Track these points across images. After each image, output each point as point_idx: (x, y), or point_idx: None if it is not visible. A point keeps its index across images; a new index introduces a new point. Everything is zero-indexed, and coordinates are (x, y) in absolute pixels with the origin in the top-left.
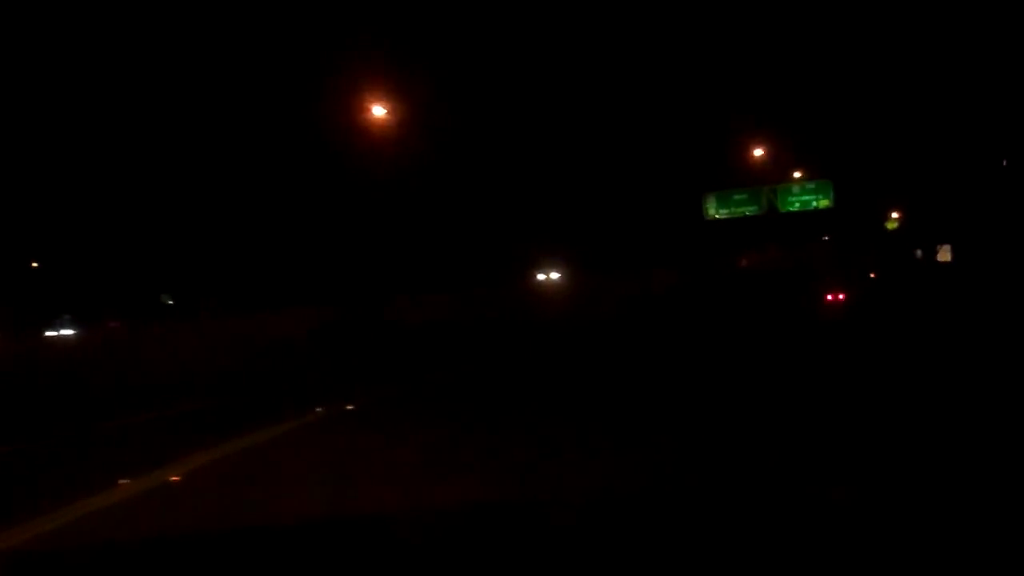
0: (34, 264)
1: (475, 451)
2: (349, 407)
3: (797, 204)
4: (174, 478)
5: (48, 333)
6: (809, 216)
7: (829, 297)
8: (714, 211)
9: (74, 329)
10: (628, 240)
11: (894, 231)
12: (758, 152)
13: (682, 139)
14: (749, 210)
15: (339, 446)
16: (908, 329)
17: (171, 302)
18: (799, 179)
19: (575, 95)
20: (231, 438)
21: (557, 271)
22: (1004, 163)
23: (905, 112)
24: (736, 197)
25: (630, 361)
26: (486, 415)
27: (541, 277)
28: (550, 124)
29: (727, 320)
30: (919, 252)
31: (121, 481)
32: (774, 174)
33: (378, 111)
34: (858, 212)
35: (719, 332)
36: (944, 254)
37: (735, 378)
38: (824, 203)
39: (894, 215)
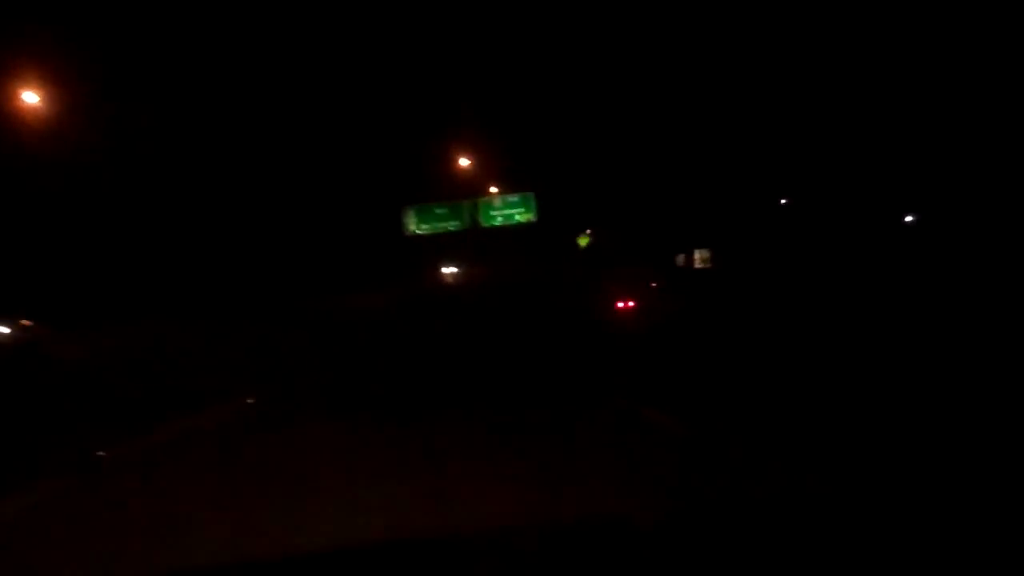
0: None
1: None
2: None
3: (500, 218)
4: None
5: None
6: (512, 231)
7: (620, 305)
8: (415, 226)
9: None
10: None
11: (588, 247)
12: (464, 162)
13: (380, 152)
14: (451, 225)
15: None
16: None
17: None
18: (501, 192)
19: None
20: None
21: None
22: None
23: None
24: (438, 211)
25: None
26: None
27: None
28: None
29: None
30: (681, 258)
31: None
32: (476, 188)
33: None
34: (560, 226)
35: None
36: (703, 260)
37: None
38: (527, 217)
39: (587, 231)
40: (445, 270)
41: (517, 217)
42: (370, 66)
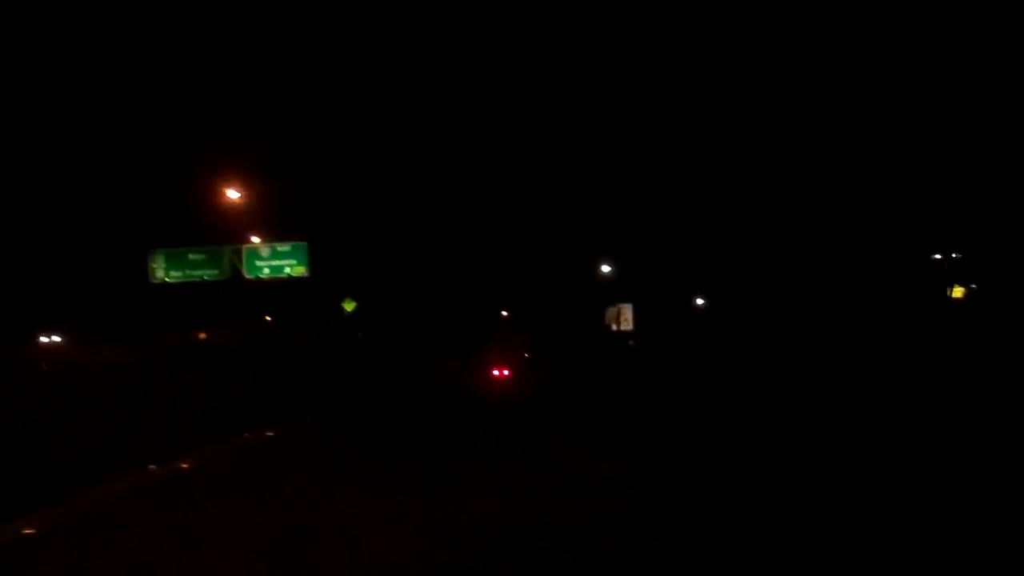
0: None
1: None
2: None
3: (267, 270)
4: None
5: None
6: (280, 285)
7: (495, 372)
8: (164, 273)
9: None
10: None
11: (353, 312)
12: (232, 195)
13: (123, 184)
14: (208, 274)
15: None
16: None
17: None
18: (269, 242)
19: None
20: None
21: None
22: None
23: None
24: (192, 257)
25: None
26: None
27: None
28: None
29: None
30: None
31: None
32: (238, 236)
33: None
34: (334, 284)
35: None
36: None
37: None
38: (299, 270)
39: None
40: (199, 328)
41: (287, 270)
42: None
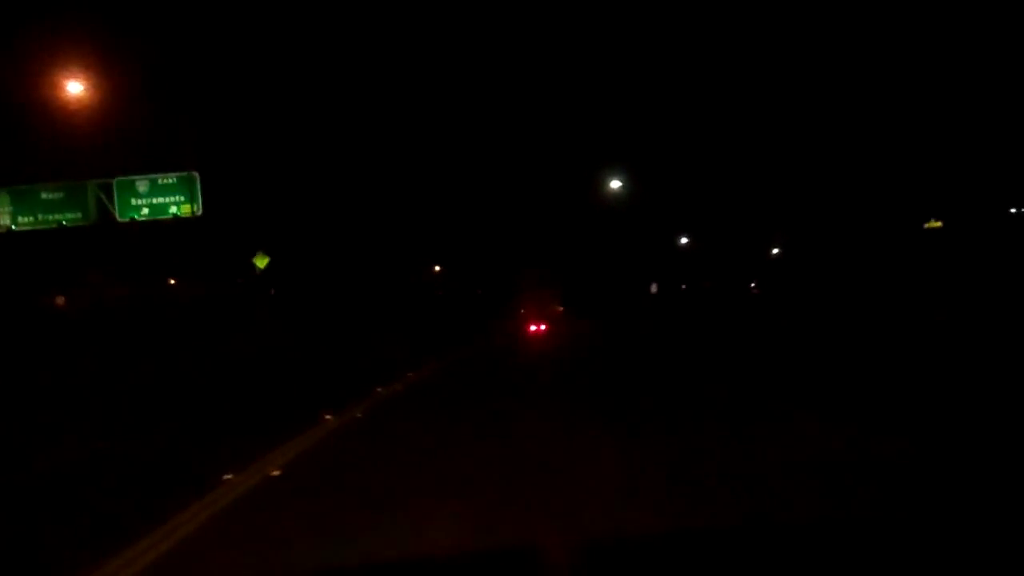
0: None
1: None
2: None
3: (147, 210)
4: None
5: None
6: (166, 228)
7: (532, 328)
8: (10, 219)
9: None
10: None
11: (265, 268)
12: (75, 87)
13: None
14: (68, 218)
15: None
16: None
17: None
18: (149, 173)
19: None
20: None
21: None
22: None
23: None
24: (46, 196)
25: None
26: None
27: None
28: None
29: None
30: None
31: None
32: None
33: None
34: (232, 225)
35: None
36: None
37: None
38: (187, 209)
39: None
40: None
41: (173, 209)
42: None
